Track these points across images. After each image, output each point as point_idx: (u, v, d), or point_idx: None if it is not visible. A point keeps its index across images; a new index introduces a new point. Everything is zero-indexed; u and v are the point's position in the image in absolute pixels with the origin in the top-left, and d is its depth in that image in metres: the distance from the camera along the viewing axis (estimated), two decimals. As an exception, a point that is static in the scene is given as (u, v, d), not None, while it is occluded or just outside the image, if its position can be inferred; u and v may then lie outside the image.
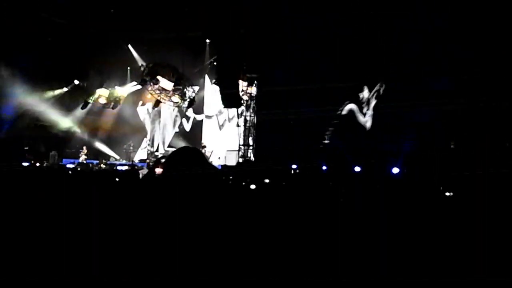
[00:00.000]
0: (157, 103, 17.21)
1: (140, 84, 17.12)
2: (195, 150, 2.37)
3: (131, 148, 19.64)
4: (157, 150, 20.29)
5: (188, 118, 20.06)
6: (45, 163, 15.84)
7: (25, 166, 10.28)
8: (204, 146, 17.75)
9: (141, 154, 20.23)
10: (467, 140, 11.16)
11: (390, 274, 2.41)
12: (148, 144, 20.63)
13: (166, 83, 16.14)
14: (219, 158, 17.81)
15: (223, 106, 15.52)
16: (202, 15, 13.84)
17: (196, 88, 17.74)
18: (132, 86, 18.78)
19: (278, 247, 2.43)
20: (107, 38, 17.30)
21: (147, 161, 17.94)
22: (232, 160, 16.89)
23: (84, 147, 18.12)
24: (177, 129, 20.41)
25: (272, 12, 13.33)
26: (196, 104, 17.76)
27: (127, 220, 2.20)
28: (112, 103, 18.51)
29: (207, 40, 17.67)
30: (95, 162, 17.61)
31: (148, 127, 20.99)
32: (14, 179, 4.17)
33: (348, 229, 2.97)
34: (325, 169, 11.87)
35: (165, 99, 16.78)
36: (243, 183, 5.65)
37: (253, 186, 5.30)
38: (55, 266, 2.18)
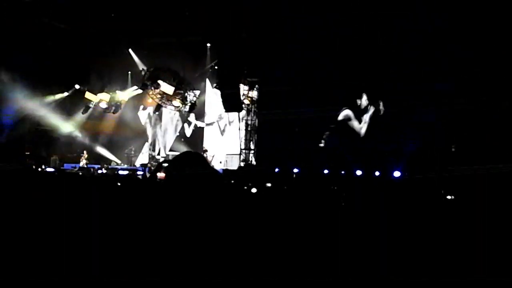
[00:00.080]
0: (158, 107, 17.26)
1: (141, 89, 17.17)
2: (197, 155, 2.39)
3: (133, 152, 19.66)
4: (158, 154, 20.32)
5: (189, 123, 20.07)
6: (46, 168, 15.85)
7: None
8: (206, 150, 17.76)
9: (142, 159, 20.25)
10: (468, 141, 11.15)
11: (390, 274, 2.42)
12: (150, 149, 20.65)
13: (167, 87, 16.18)
14: (220, 162, 17.81)
15: (224, 110, 15.54)
16: (203, 19, 13.86)
17: (197, 92, 17.76)
18: (133, 91, 18.81)
19: (278, 247, 2.44)
20: (108, 43, 17.33)
21: (149, 165, 17.95)
22: (234, 164, 16.89)
23: (85, 152, 18.15)
24: (178, 134, 20.42)
25: (272, 12, 13.34)
26: (197, 108, 17.78)
27: (129, 222, 2.22)
28: (113, 108, 18.54)
29: (208, 44, 17.67)
30: (96, 166, 17.63)
31: (149, 131, 21.01)
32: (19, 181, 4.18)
33: (348, 229, 2.98)
34: (326, 173, 11.86)
35: (166, 103, 16.82)
36: (245, 187, 5.66)
37: (254, 190, 5.31)
38: (55, 266, 2.20)
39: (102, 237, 2.28)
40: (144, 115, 21.02)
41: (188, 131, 20.14)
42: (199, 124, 19.71)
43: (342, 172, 11.86)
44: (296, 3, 12.99)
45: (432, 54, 11.81)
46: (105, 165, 17.81)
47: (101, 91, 18.41)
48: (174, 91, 16.20)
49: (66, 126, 18.90)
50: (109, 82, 18.93)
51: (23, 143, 17.39)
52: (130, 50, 18.74)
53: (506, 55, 10.72)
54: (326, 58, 13.15)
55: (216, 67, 17.11)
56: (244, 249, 2.13)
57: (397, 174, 10.33)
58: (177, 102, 16.57)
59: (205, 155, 16.02)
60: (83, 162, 17.68)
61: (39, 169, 13.73)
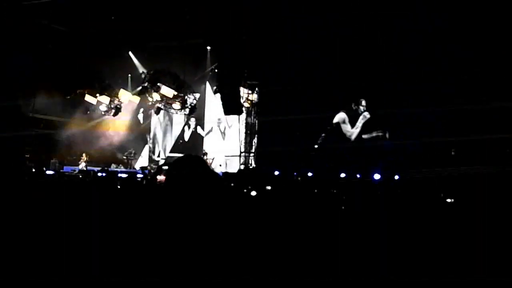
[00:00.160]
0: (158, 110, 17.25)
1: (141, 92, 17.16)
2: (197, 158, 2.39)
3: (132, 155, 19.65)
4: (158, 157, 20.31)
5: (189, 126, 20.07)
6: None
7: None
8: (205, 153, 17.75)
9: (142, 161, 20.24)
10: (468, 141, 11.14)
11: (391, 274, 2.42)
12: (150, 151, 20.65)
13: (167, 90, 16.17)
14: (220, 165, 17.79)
15: (224, 113, 15.56)
16: (203, 22, 13.87)
17: (197, 95, 17.75)
18: (133, 94, 18.82)
19: (278, 248, 2.44)
20: (108, 45, 17.34)
21: (148, 168, 17.95)
22: (233, 166, 16.89)
23: (84, 154, 18.13)
24: (178, 136, 20.41)
25: (272, 12, 13.35)
26: (197, 112, 17.78)
27: (129, 223, 2.22)
28: (113, 110, 18.55)
29: (208, 47, 17.69)
30: (96, 169, 17.61)
31: (149, 134, 21.00)
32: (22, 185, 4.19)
33: (348, 230, 2.99)
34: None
35: (166, 106, 16.82)
36: (245, 190, 5.64)
37: (254, 193, 5.30)
38: (55, 267, 2.21)
39: (102, 237, 2.29)
40: (144, 118, 21.02)
41: (188, 134, 20.14)
42: (199, 131, 19.72)
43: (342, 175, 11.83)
44: (296, 3, 13.00)
45: (432, 54, 11.82)
46: (104, 168, 17.79)
47: (101, 94, 18.39)
48: (174, 94, 16.20)
49: (66, 129, 18.89)
50: (109, 85, 18.93)
51: (22, 146, 17.36)
52: (130, 53, 18.76)
53: (506, 55, 10.73)
54: (326, 58, 13.17)
55: (216, 70, 17.13)
56: (244, 251, 2.13)
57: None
58: (177, 105, 16.57)
59: (204, 158, 16.01)
60: (82, 165, 17.67)
61: (39, 172, 13.73)
